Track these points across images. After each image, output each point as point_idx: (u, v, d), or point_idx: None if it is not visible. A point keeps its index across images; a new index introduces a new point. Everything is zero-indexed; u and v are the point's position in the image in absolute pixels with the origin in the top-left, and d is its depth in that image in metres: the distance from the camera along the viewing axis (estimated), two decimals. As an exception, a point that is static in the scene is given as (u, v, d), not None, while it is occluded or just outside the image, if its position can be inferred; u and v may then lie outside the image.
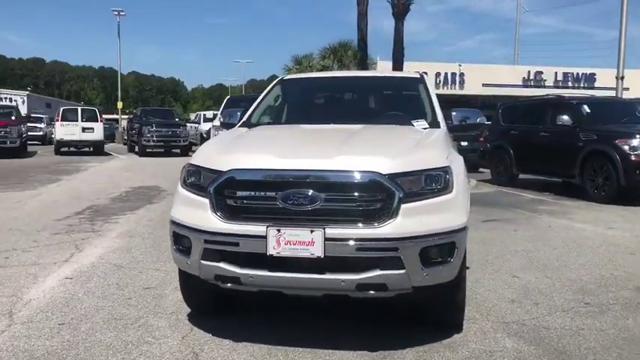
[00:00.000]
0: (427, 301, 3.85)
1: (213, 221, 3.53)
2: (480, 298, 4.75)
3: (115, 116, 50.29)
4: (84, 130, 25.10)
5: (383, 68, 35.31)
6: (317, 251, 3.33)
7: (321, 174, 3.43)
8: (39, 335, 3.90)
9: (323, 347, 3.68)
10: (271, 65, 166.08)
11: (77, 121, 25.22)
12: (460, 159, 4.08)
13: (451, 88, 35.82)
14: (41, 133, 36.09)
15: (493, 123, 14.15)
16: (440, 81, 35.73)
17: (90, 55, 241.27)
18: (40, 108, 51.64)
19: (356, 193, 3.40)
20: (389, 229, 3.35)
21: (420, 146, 3.85)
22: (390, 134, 4.36)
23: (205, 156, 3.85)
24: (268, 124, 4.94)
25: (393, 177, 3.41)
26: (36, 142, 34.03)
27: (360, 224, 3.37)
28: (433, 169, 3.56)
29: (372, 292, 3.44)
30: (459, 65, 35.93)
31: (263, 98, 5.35)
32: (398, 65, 15.15)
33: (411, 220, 3.40)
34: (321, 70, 31.29)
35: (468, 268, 5.48)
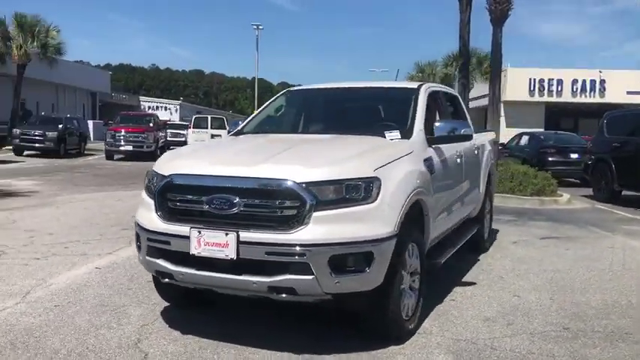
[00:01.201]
0: (357, 309, 3.90)
1: (154, 221, 3.89)
2: (456, 314, 4.65)
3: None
4: (212, 136, 26.95)
5: (513, 75, 33.92)
6: (231, 253, 3.56)
7: (240, 180, 3.66)
8: (31, 313, 4.51)
9: (255, 346, 3.88)
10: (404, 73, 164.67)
11: (207, 128, 27.21)
12: (408, 171, 4.05)
13: (590, 96, 33.41)
14: (183, 139, 39.17)
15: (597, 134, 13.16)
16: (577, 89, 33.48)
17: (244, 66, 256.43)
18: (190, 115, 55.95)
19: (271, 200, 3.58)
20: (298, 235, 3.49)
21: (353, 157, 3.91)
22: (341, 144, 4.44)
23: (160, 162, 4.23)
24: (255, 133, 5.21)
25: (307, 185, 3.53)
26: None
27: (274, 229, 3.54)
28: (353, 179, 3.63)
29: (283, 295, 3.59)
30: (600, 72, 33.40)
31: (263, 108, 5.66)
32: (496, 72, 14.61)
33: (322, 228, 3.50)
34: (443, 78, 30.88)
35: (474, 283, 5.44)
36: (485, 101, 32.57)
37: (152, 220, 3.91)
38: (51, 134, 23.95)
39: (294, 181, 3.54)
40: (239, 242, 3.55)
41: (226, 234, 3.57)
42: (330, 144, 4.48)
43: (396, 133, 4.59)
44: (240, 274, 3.61)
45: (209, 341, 3.98)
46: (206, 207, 3.69)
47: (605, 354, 3.89)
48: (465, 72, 15.47)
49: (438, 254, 4.99)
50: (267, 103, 5.81)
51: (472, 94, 33.50)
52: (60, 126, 24.86)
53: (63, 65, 38.08)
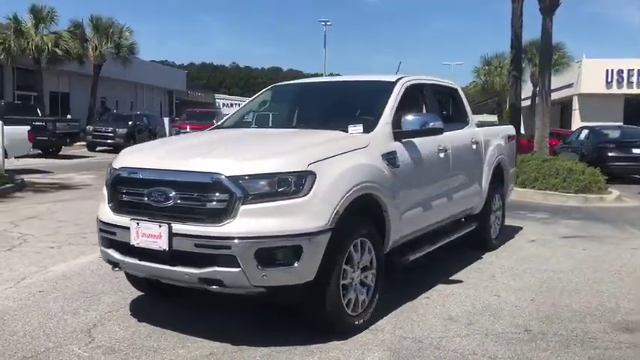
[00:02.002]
0: (294, 303, 3.91)
1: (106, 212, 4.07)
2: (421, 312, 4.55)
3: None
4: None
5: (589, 67, 32.32)
6: (164, 244, 3.68)
7: (175, 174, 3.77)
8: (14, 298, 4.82)
9: (199, 335, 3.98)
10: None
11: (268, 124, 27.63)
12: (353, 165, 4.01)
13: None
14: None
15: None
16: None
17: (321, 63, 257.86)
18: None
19: (202, 193, 3.66)
20: (226, 228, 3.55)
21: (291, 151, 3.91)
22: (290, 138, 4.44)
23: (118, 155, 4.40)
24: (231, 127, 5.29)
25: (235, 179, 3.58)
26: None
27: (204, 222, 3.62)
28: (284, 172, 3.64)
29: (214, 287, 3.66)
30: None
31: (247, 103, 5.75)
32: (546, 63, 13.96)
33: (250, 221, 3.54)
34: (510, 71, 29.76)
35: (460, 282, 5.31)
36: (559, 94, 31.35)
37: (104, 211, 4.09)
38: (121, 131, 25.15)
39: (224, 175, 3.60)
40: (171, 234, 3.65)
41: (160, 226, 3.69)
42: (280, 138, 4.51)
43: (359, 127, 4.54)
44: (174, 265, 3.71)
45: (159, 329, 4.12)
46: (146, 199, 3.82)
47: (553, 358, 3.70)
48: (517, 64, 14.94)
49: (410, 251, 4.90)
50: (252, 97, 5.90)
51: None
52: (130, 123, 26.07)
53: (141, 65, 39.92)
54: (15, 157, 15.43)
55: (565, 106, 36.62)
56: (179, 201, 3.71)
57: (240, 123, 5.43)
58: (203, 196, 3.65)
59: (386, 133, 4.60)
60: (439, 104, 5.83)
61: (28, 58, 28.19)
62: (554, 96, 32.49)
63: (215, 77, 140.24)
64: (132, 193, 3.94)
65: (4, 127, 14.94)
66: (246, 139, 4.41)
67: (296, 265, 3.60)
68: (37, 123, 21.06)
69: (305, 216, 3.63)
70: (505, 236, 7.46)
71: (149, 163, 3.96)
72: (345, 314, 3.97)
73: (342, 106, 5.36)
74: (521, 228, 8.32)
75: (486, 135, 6.55)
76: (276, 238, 3.55)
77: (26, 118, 20.39)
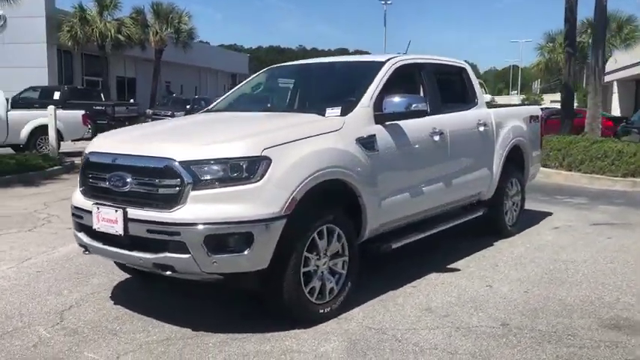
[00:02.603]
0: (251, 290, 3.85)
1: (77, 196, 4.14)
2: (400, 302, 4.40)
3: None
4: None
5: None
6: (119, 229, 3.70)
7: (132, 159, 3.78)
8: (12, 277, 5.00)
9: (162, 319, 4.00)
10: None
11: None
12: (318, 149, 3.88)
13: None
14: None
15: None
16: None
17: (388, 42, 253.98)
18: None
19: (155, 179, 3.65)
20: (176, 214, 3.52)
21: (246, 135, 3.82)
22: (259, 122, 4.36)
23: (92, 140, 4.45)
24: (220, 110, 5.23)
25: (187, 164, 3.54)
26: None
27: (156, 208, 3.61)
28: (236, 158, 3.57)
29: (168, 272, 3.65)
30: None
31: (240, 86, 5.69)
32: (600, 39, 13.08)
33: (199, 207, 3.50)
34: (564, 47, 28.24)
35: (457, 270, 5.12)
36: (633, 71, 29.39)
37: (76, 195, 4.16)
38: (178, 114, 25.75)
39: (175, 160, 3.57)
40: (126, 219, 3.67)
41: (116, 210, 3.71)
42: (249, 122, 4.45)
43: (337, 110, 4.39)
44: (131, 250, 3.73)
45: (129, 312, 4.17)
46: (107, 184, 3.85)
47: (518, 355, 3.48)
48: (570, 40, 14.10)
49: (395, 238, 4.73)
50: (248, 79, 5.82)
51: (611, 65, 30.47)
52: (187, 106, 26.66)
53: (204, 49, 40.72)
54: (72, 140, 16.12)
55: (640, 83, 34.51)
56: (135, 186, 3.72)
57: (229, 106, 5.36)
58: (156, 181, 3.64)
59: (365, 115, 4.43)
60: (441, 85, 5.56)
61: (94, 45, 29.29)
62: (629, 73, 30.67)
63: (282, 60, 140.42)
64: (96, 177, 3.99)
65: (60, 111, 15.64)
66: (215, 123, 4.37)
67: (247, 252, 3.53)
68: (97, 107, 21.95)
69: (257, 202, 3.55)
70: (527, 222, 7.12)
71: (111, 148, 3.99)
72: (307, 302, 3.88)
73: (328, 88, 5.22)
74: (550, 214, 7.91)
75: (499, 116, 6.21)
76: (225, 225, 3.49)
77: (87, 103, 21.30)
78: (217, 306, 4.33)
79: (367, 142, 4.31)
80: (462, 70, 6.01)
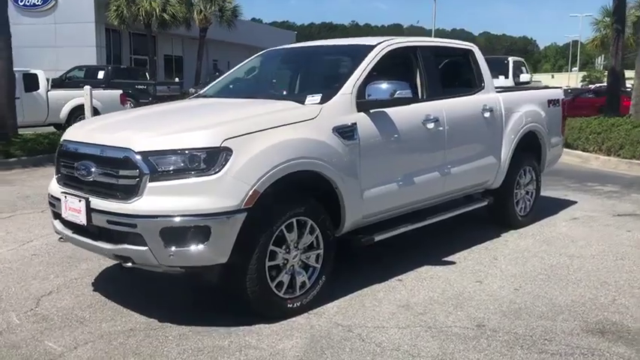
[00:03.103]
0: (213, 283, 3.78)
1: (52, 185, 4.16)
2: (380, 297, 4.25)
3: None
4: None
5: None
6: (83, 219, 3.69)
7: (95, 148, 3.75)
8: (7, 260, 5.11)
9: (133, 309, 4.00)
10: None
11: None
12: (285, 140, 3.74)
13: None
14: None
15: None
16: None
17: (445, 17, 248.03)
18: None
19: (116, 169, 3.61)
20: (133, 205, 3.48)
21: (208, 125, 3.71)
22: (230, 110, 4.25)
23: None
24: (209, 96, 5.12)
25: (145, 155, 3.48)
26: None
27: (117, 198, 3.57)
28: (194, 149, 3.48)
29: (129, 264, 3.62)
30: None
31: (233, 70, 5.57)
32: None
33: (156, 199, 3.45)
34: (635, 22, 26.84)
35: (452, 263, 4.95)
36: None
37: (52, 183, 4.17)
38: (221, 92, 25.90)
39: (133, 150, 3.51)
40: (89, 209, 3.65)
41: (79, 200, 3.69)
42: (221, 109, 4.35)
43: (317, 98, 4.23)
44: (95, 240, 3.72)
45: (104, 300, 4.19)
46: (75, 173, 3.84)
47: (483, 361, 3.30)
48: (619, 15, 13.26)
49: (380, 230, 4.56)
50: (242, 63, 5.69)
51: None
52: (230, 85, 26.75)
53: (250, 27, 40.72)
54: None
55: None
56: (99, 176, 3.69)
57: (218, 91, 5.24)
58: (117, 171, 3.60)
59: (345, 103, 4.24)
60: (442, 69, 5.30)
61: (141, 24, 29.70)
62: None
63: (334, 36, 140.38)
64: (66, 166, 3.98)
65: (99, 90, 15.98)
66: (188, 111, 4.29)
67: (204, 246, 3.45)
68: (139, 86, 22.31)
69: (215, 195, 3.45)
70: (546, 212, 6.79)
71: (81, 137, 3.97)
72: (274, 297, 3.78)
73: (314, 73, 5.05)
74: (574, 203, 7.52)
75: (509, 101, 5.89)
76: (181, 218, 3.42)
77: (130, 82, 21.69)
78: (194, 295, 4.30)
79: (346, 132, 4.14)
80: (467, 53, 5.70)
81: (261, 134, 3.67)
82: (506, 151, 5.81)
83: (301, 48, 5.74)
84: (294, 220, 3.82)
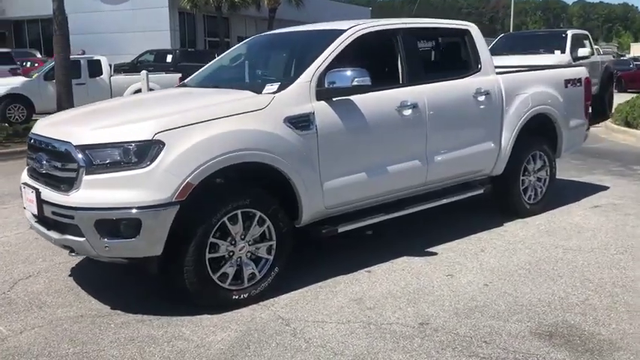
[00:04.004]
0: (156, 274, 3.85)
1: (23, 174, 4.35)
2: (338, 289, 4.17)
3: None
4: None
5: None
6: (34, 209, 3.86)
7: (47, 141, 3.90)
8: (7, 242, 5.40)
9: (95, 296, 4.15)
10: None
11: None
12: (224, 131, 3.72)
13: None
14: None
15: None
16: None
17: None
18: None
19: (60, 162, 3.73)
20: (70, 198, 3.59)
21: (144, 118, 3.74)
22: (178, 101, 4.26)
23: (43, 120, 4.62)
24: (191, 86, 5.14)
25: (82, 148, 3.58)
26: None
27: (60, 190, 3.70)
28: (127, 142, 3.53)
29: (73, 253, 3.76)
30: None
31: (220, 58, 5.55)
32: None
33: (90, 192, 3.54)
34: None
35: (434, 254, 4.81)
36: None
37: (23, 173, 4.37)
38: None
39: (72, 144, 3.61)
40: (39, 200, 3.80)
41: (32, 191, 3.86)
42: (173, 101, 4.38)
43: (274, 87, 4.16)
44: (49, 229, 3.87)
45: (72, 285, 4.36)
46: (34, 165, 4.01)
47: (403, 363, 3.17)
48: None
49: (344, 221, 4.46)
50: (229, 50, 5.66)
51: None
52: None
53: (323, 5, 40.47)
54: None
55: None
56: (49, 168, 3.83)
57: (198, 80, 5.26)
58: (60, 164, 3.72)
59: (301, 92, 4.14)
60: (428, 52, 5.06)
61: (212, 7, 30.34)
62: None
63: (417, 11, 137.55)
64: (29, 157, 4.16)
65: (159, 75, 16.54)
66: (144, 103, 4.34)
67: (136, 238, 3.51)
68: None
69: (145, 188, 3.49)
70: (566, 199, 6.42)
71: (39, 130, 4.13)
72: (216, 288, 3.80)
73: (282, 61, 4.97)
74: (606, 188, 7.03)
75: (512, 83, 5.54)
76: (113, 211, 3.49)
77: (197, 65, 22.22)
78: (159, 284, 4.39)
79: (299, 121, 4.05)
80: (464, 34, 5.39)
81: (199, 126, 3.67)
82: (507, 136, 5.48)
83: (278, 34, 5.65)
84: (238, 212, 3.80)
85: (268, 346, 3.39)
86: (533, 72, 6.09)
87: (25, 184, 4.02)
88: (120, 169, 3.52)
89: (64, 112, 4.99)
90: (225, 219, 3.75)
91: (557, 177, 6.29)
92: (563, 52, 12.30)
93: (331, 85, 4.16)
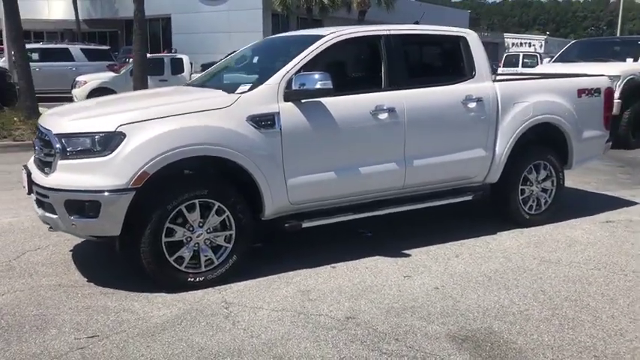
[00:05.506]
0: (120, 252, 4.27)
1: (30, 159, 4.94)
2: (292, 281, 4.38)
3: None
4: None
5: None
6: (27, 189, 4.41)
7: (41, 130, 4.43)
8: (9, 223, 5.85)
9: (80, 269, 4.65)
10: None
11: (517, 66, 25.68)
12: (185, 127, 4.07)
13: None
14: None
15: None
16: None
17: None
18: (554, 51, 52.40)
19: (45, 148, 4.25)
20: (47, 179, 4.10)
21: (114, 112, 4.19)
22: (157, 98, 4.65)
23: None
24: (192, 85, 5.55)
25: (60, 136, 4.07)
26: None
27: (44, 172, 4.21)
28: (93, 132, 3.98)
29: (51, 229, 4.26)
30: None
31: (227, 60, 5.92)
32: None
33: (62, 175, 4.03)
34: None
35: (407, 256, 4.95)
36: None
37: (31, 158, 4.96)
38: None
39: (52, 132, 4.12)
40: (30, 181, 4.35)
41: (24, 172, 4.41)
42: (147, 97, 4.79)
43: (246, 87, 4.48)
44: (38, 207, 4.40)
45: (67, 259, 4.88)
46: (35, 150, 4.57)
47: (309, 348, 3.36)
48: None
49: (309, 217, 4.68)
50: (238, 51, 6.01)
51: None
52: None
53: (417, 7, 40.21)
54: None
55: None
56: (39, 153, 4.37)
57: (200, 81, 5.67)
58: (45, 150, 4.23)
59: (268, 93, 4.41)
60: (416, 58, 5.15)
61: (303, 9, 31.14)
62: None
63: (528, 13, 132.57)
64: (34, 144, 4.73)
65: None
66: (131, 99, 4.78)
67: (97, 219, 3.94)
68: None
69: (105, 174, 3.92)
70: (582, 212, 6.23)
71: (41, 119, 4.69)
72: (172, 270, 4.15)
73: (265, 64, 5.22)
74: (633, 204, 6.72)
75: (511, 90, 5.49)
76: (79, 193, 3.95)
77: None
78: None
79: (262, 120, 4.32)
80: (458, 40, 5.41)
81: (161, 121, 4.05)
82: (503, 144, 5.45)
83: (276, 38, 5.93)
84: (195, 201, 4.14)
85: (198, 324, 3.69)
86: (538, 80, 5.98)
87: (25, 166, 4.58)
88: (87, 156, 3.97)
89: (67, 105, 5.58)
90: (182, 207, 4.11)
91: (592, 191, 6.10)
92: (635, 60, 11.66)
93: (295, 88, 4.40)
